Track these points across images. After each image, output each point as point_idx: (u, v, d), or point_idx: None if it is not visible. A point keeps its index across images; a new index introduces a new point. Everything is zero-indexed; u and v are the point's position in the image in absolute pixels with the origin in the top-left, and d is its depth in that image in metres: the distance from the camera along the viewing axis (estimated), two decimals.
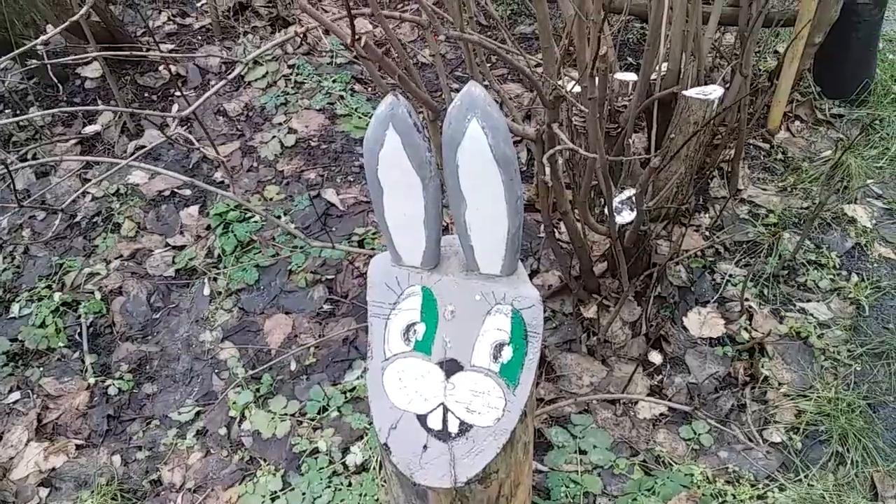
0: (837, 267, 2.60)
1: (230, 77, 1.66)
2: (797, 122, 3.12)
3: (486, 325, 1.40)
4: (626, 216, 2.18)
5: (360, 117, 3.20)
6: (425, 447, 1.36)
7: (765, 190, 2.87)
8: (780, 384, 2.29)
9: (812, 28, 2.76)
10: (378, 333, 1.45)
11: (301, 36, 2.30)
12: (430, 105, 1.72)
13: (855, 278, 2.56)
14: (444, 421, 1.37)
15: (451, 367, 1.40)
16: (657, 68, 2.41)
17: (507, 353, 1.38)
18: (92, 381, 2.50)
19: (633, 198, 2.18)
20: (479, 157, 1.20)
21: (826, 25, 2.87)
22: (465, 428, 1.35)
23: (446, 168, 1.24)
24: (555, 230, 2.47)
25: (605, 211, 2.05)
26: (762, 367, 2.32)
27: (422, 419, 1.38)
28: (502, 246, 1.34)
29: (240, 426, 2.35)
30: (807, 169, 2.90)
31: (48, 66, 1.55)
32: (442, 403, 1.38)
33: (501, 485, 1.48)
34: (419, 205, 1.32)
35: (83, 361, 2.56)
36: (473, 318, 1.41)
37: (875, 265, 2.61)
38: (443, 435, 1.36)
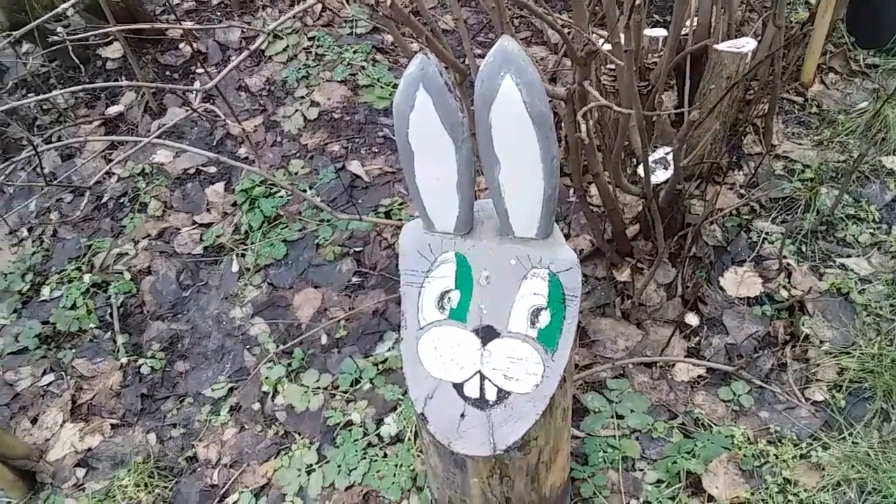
0: (877, 220, 2.53)
1: (252, 48, 1.62)
2: (831, 74, 3.03)
3: (523, 290, 1.37)
4: (659, 175, 2.13)
5: (382, 87, 3.15)
6: (463, 416, 1.33)
7: (800, 144, 2.79)
8: (821, 342, 2.24)
9: None
10: (412, 302, 1.42)
11: (321, 2, 2.26)
12: (457, 67, 1.67)
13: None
14: (482, 389, 1.34)
15: (487, 334, 1.37)
16: (687, 23, 2.35)
17: (545, 317, 1.35)
18: (124, 360, 2.51)
19: (669, 156, 2.13)
20: (513, 116, 1.15)
21: None
22: (503, 395, 1.33)
23: (479, 128, 1.20)
24: (585, 193, 2.43)
25: (636, 172, 2.00)
26: (802, 325, 2.26)
27: (458, 388, 1.35)
28: (538, 208, 1.30)
29: (273, 401, 2.34)
30: (843, 122, 2.82)
31: (69, 46, 1.52)
32: (479, 371, 1.35)
33: (541, 451, 1.45)
34: (452, 168, 1.28)
35: (115, 342, 2.56)
36: (509, 283, 1.38)
37: None
38: (480, 403, 1.33)
